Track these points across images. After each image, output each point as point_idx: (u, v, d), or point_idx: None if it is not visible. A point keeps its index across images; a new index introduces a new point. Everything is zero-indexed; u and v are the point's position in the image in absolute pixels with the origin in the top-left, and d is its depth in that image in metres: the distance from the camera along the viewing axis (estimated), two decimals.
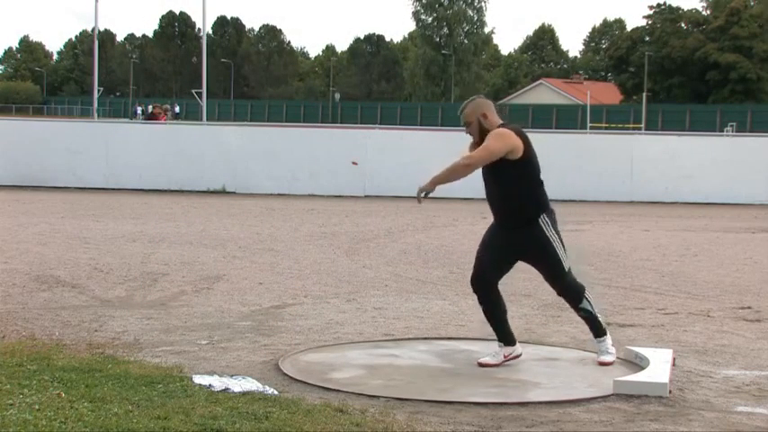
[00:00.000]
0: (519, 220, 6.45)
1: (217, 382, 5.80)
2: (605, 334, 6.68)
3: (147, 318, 8.02)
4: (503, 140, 6.31)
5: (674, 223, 17.38)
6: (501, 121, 6.49)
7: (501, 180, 6.42)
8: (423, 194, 6.39)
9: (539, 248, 6.46)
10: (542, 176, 6.57)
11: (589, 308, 6.61)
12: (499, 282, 6.64)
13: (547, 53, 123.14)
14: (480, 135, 6.44)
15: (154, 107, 35.18)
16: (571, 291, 6.60)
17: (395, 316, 8.34)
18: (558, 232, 6.49)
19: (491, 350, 6.68)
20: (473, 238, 14.70)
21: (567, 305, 9.01)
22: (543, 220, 6.45)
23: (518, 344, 6.69)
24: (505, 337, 6.64)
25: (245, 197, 21.12)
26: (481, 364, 6.55)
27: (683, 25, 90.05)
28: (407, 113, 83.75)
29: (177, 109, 79.06)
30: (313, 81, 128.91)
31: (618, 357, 6.82)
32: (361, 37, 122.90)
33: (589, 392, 5.93)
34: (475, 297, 6.72)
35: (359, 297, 9.25)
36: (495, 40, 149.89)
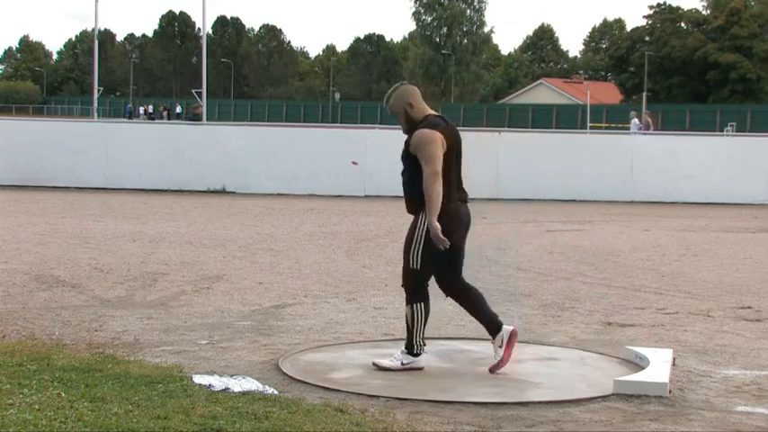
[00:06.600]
0: (410, 207, 6.42)
1: (217, 382, 5.80)
2: (411, 353, 6.41)
3: (147, 318, 8.02)
4: (434, 146, 6.20)
5: (674, 223, 17.38)
6: (429, 110, 6.45)
7: (410, 170, 6.36)
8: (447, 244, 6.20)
9: (408, 233, 6.41)
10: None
11: (410, 316, 6.44)
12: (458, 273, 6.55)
13: (547, 53, 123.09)
14: (408, 124, 6.39)
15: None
16: (408, 287, 6.46)
17: (395, 316, 8.33)
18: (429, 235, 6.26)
19: (490, 351, 6.60)
20: (473, 238, 14.70)
21: (567, 305, 9.05)
22: (423, 214, 6.30)
23: (503, 326, 6.48)
24: (489, 327, 6.50)
25: (245, 197, 21.12)
26: (492, 371, 6.38)
27: (682, 25, 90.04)
28: None
29: (179, 109, 78.99)
30: (313, 81, 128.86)
31: (618, 357, 6.83)
32: (361, 37, 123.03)
33: (589, 392, 5.93)
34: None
35: (359, 297, 9.25)
36: (495, 39, 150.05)
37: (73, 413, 5.01)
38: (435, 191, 6.17)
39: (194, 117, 29.83)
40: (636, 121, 35.08)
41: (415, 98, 6.41)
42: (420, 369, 6.41)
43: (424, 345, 6.47)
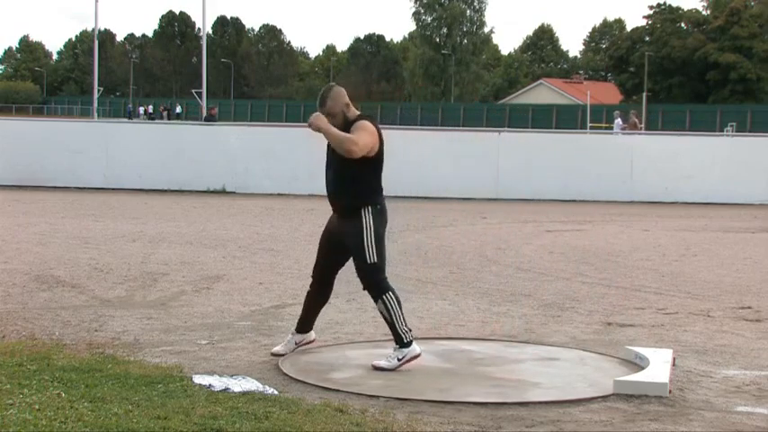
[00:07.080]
0: (345, 208, 6.57)
1: (217, 382, 5.80)
2: (403, 345, 6.44)
3: (147, 318, 8.03)
4: (373, 139, 6.40)
5: (674, 223, 17.38)
6: (357, 111, 6.57)
7: (344, 167, 6.47)
8: (309, 126, 6.45)
9: (353, 237, 6.50)
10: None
11: (384, 310, 6.51)
12: (335, 272, 6.78)
13: (547, 53, 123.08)
14: (343, 125, 6.46)
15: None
16: (371, 284, 6.54)
17: None
18: (377, 227, 6.48)
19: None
20: (473, 237, 14.73)
21: (567, 305, 9.05)
22: (366, 211, 6.49)
23: (312, 331, 6.92)
24: (304, 326, 6.87)
25: (245, 197, 21.12)
26: (273, 354, 6.74)
27: (682, 25, 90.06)
28: (407, 113, 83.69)
29: (179, 109, 78.99)
30: (313, 81, 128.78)
31: (618, 357, 6.83)
32: (361, 37, 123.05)
33: (589, 392, 5.93)
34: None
35: (359, 297, 9.22)
36: (495, 39, 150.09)
37: (73, 413, 5.01)
38: (345, 145, 6.33)
39: (210, 117, 29.91)
40: (619, 121, 35.11)
41: (347, 99, 6.56)
42: (418, 356, 6.43)
43: (410, 330, 6.52)
